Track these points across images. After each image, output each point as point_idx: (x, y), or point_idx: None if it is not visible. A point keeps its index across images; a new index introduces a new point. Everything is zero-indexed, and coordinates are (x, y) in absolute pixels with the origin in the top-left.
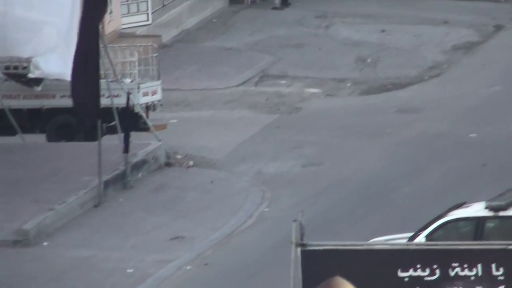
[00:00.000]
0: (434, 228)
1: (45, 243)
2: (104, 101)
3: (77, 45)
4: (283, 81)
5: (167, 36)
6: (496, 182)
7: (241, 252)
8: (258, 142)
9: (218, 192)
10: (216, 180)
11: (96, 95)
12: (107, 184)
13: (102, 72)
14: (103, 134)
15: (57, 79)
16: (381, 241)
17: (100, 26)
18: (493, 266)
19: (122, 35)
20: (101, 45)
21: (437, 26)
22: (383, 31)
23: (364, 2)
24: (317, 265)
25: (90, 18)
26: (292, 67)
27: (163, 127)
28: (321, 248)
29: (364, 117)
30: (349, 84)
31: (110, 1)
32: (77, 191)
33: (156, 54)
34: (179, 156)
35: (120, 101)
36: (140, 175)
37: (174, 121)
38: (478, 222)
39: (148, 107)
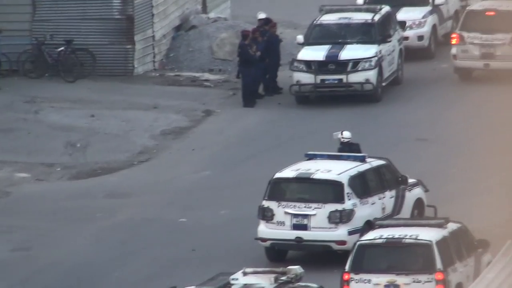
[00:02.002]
0: None
1: None
2: None
3: None
4: None
5: None
6: (205, 267)
7: None
8: None
9: None
10: None
11: None
12: None
13: None
14: None
15: None
16: None
17: None
18: None
19: None
20: None
21: (146, 111)
22: (92, 116)
23: (73, 87)
24: None
25: None
26: (0, 151)
27: None
28: None
29: (74, 201)
30: (58, 169)
31: None
32: None
33: None
34: None
35: None
36: None
37: None
38: None
39: None
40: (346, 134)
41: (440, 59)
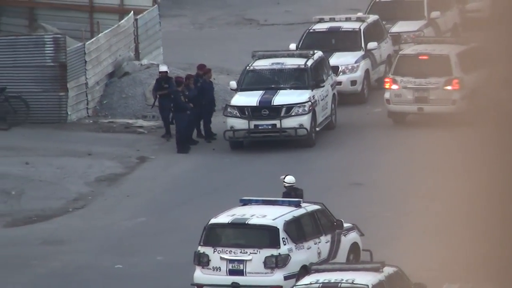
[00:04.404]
0: None
1: None
2: None
3: None
4: None
5: None
6: None
7: None
8: None
9: None
10: None
11: None
12: None
13: None
14: None
15: None
16: None
17: None
18: None
19: None
20: None
21: (80, 158)
22: (27, 163)
23: (7, 135)
24: None
25: None
26: None
27: None
28: None
29: (9, 249)
30: None
31: None
32: None
33: None
34: None
35: None
36: None
37: None
38: None
39: None
40: (288, 179)
41: (373, 103)
